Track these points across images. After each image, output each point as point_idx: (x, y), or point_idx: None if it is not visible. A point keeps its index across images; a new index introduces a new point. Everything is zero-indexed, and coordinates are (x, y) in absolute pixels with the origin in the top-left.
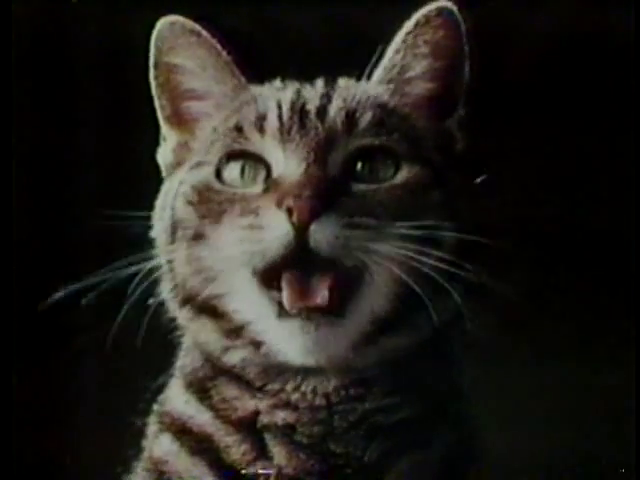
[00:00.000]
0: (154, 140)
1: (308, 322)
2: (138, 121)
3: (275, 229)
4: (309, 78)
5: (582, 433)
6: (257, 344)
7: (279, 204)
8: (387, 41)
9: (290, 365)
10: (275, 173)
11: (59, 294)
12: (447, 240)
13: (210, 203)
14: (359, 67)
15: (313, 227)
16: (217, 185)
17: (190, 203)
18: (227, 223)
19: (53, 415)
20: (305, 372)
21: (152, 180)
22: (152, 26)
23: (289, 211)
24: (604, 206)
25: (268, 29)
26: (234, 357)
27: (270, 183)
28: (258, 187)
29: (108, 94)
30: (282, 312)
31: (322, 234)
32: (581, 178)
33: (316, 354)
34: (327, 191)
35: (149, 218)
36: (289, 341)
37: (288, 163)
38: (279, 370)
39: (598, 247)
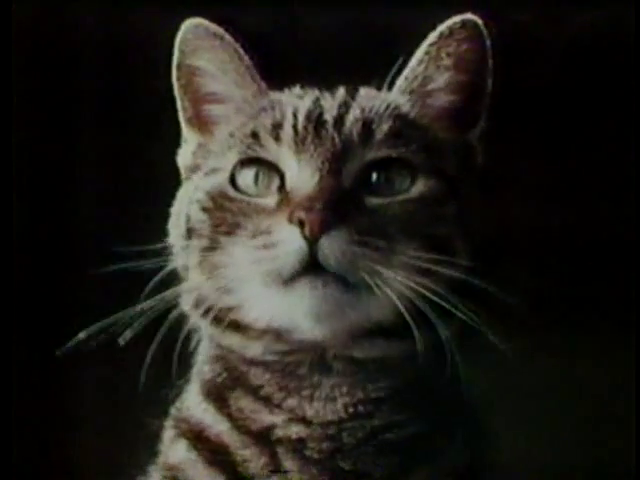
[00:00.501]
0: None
1: (316, 278)
2: (152, 131)
3: (288, 244)
4: (331, 84)
5: (583, 436)
6: (276, 333)
7: (291, 218)
8: (409, 48)
9: (302, 342)
10: (288, 184)
11: (80, 336)
12: (453, 275)
13: (224, 211)
14: (381, 73)
15: (323, 241)
16: (231, 192)
17: (204, 210)
18: (241, 244)
19: (57, 419)
20: (319, 375)
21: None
22: (172, 28)
23: (301, 224)
24: (613, 213)
25: (291, 34)
26: (256, 350)
27: (283, 196)
28: (272, 197)
29: (113, 100)
30: (290, 277)
31: (330, 249)
32: (599, 190)
33: (323, 320)
34: (339, 204)
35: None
36: (299, 303)
37: (302, 174)
38: (294, 365)
39: (602, 252)
